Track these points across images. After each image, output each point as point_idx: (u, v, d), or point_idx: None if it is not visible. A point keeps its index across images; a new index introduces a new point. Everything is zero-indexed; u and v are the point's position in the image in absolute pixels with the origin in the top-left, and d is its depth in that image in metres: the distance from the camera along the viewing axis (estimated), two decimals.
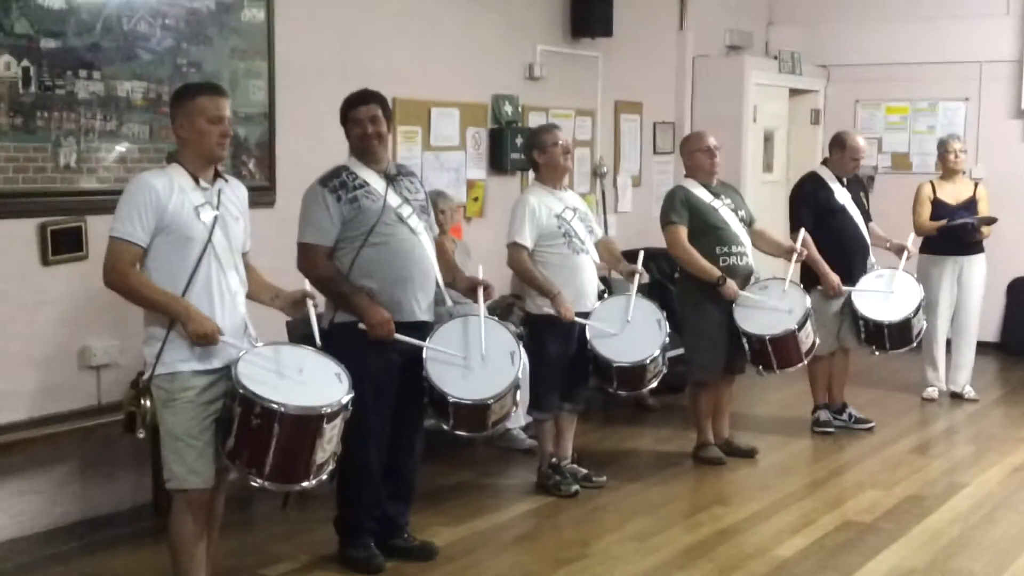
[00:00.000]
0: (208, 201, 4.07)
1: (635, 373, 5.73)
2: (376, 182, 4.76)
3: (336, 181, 4.71)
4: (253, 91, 6.06)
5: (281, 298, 4.36)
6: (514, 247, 5.71)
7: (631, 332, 5.72)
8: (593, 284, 5.82)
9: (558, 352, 5.72)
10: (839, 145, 7.16)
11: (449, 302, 5.06)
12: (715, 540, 5.32)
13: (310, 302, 4.29)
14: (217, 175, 4.18)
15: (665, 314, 5.84)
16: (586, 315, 5.73)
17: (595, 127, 8.70)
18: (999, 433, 7.31)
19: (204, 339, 3.96)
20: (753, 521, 5.59)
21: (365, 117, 4.75)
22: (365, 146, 4.78)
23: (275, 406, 3.97)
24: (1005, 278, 9.61)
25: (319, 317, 4.44)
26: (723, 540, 5.32)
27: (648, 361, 5.70)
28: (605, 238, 6.07)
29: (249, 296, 4.30)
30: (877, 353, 6.97)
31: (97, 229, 5.23)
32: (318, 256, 4.68)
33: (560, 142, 5.80)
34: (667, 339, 5.76)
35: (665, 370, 5.87)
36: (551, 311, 5.63)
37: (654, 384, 5.86)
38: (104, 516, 5.48)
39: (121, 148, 5.46)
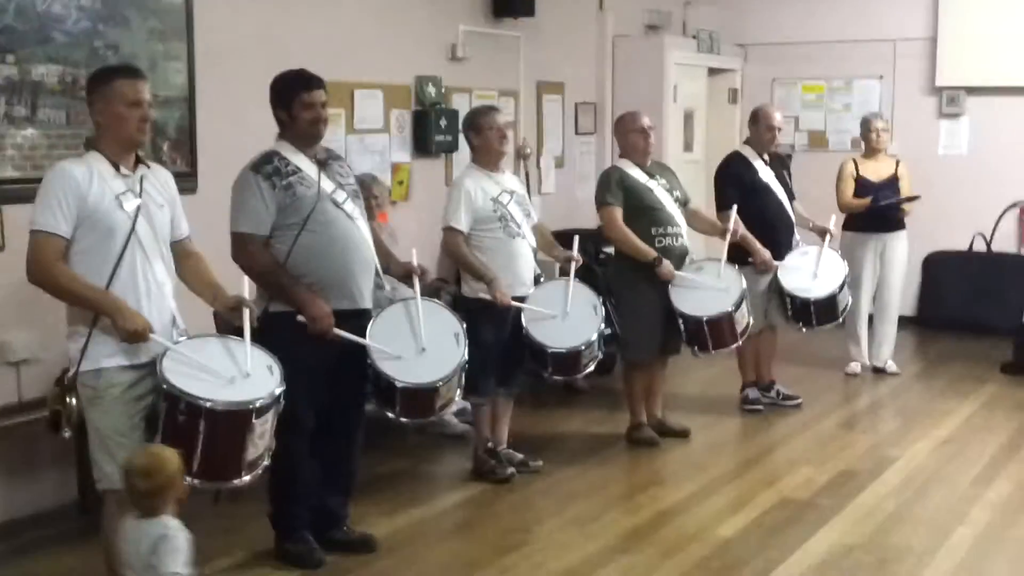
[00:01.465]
0: (130, 189, 3.94)
1: (570, 359, 5.69)
2: (308, 168, 4.62)
3: (269, 167, 4.56)
4: (172, 74, 5.88)
5: (220, 300, 4.23)
6: (449, 231, 5.62)
7: (567, 317, 5.67)
8: (530, 268, 5.76)
9: (493, 337, 5.65)
10: (755, 119, 7.20)
11: (388, 287, 4.98)
12: (655, 522, 5.31)
13: (246, 311, 4.15)
14: (139, 161, 4.04)
15: (601, 299, 5.79)
16: (522, 299, 5.67)
17: (518, 108, 8.62)
18: (923, 407, 7.42)
19: (134, 336, 3.82)
20: (691, 502, 5.60)
21: (318, 101, 4.61)
22: (315, 131, 4.64)
23: (201, 402, 3.86)
24: (921, 253, 9.75)
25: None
26: (664, 522, 5.32)
27: (584, 347, 5.66)
28: (538, 223, 6.00)
29: (192, 290, 4.17)
30: (804, 330, 7.02)
31: (14, 218, 5.03)
32: (255, 246, 4.54)
33: (497, 126, 5.71)
34: (603, 324, 5.73)
35: (601, 355, 5.84)
36: (486, 296, 5.56)
37: (590, 369, 5.83)
38: (27, 517, 5.29)
39: (37, 134, 5.25)
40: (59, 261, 3.83)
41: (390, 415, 4.78)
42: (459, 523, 5.38)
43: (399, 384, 4.67)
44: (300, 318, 4.48)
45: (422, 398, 4.78)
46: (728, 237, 6.45)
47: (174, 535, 3.47)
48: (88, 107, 4.03)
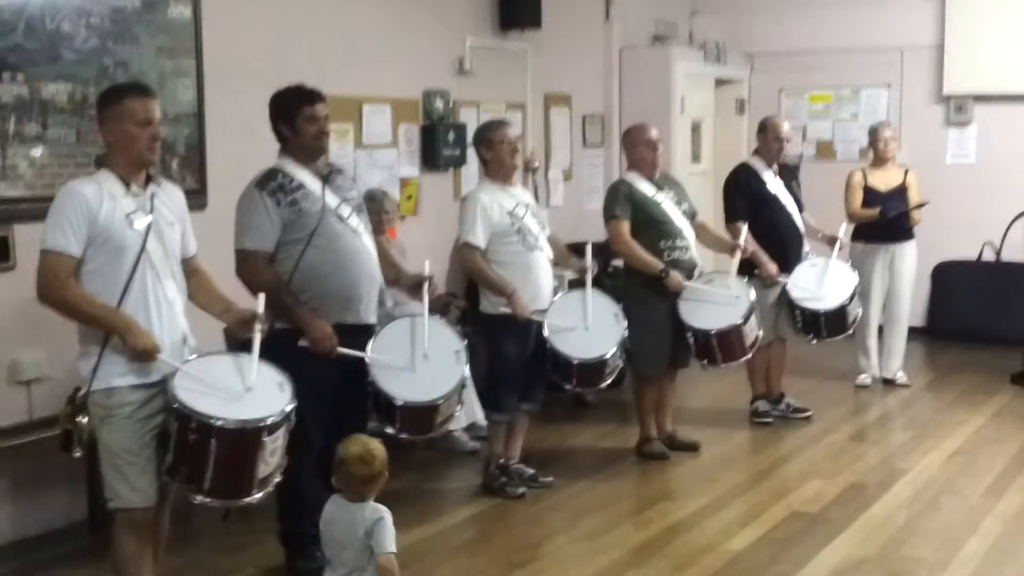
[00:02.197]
0: (140, 207, 3.94)
1: (595, 369, 5.69)
2: (312, 183, 4.63)
3: (273, 184, 4.57)
4: (181, 91, 5.89)
5: (231, 313, 4.23)
6: (466, 247, 5.60)
7: (590, 328, 5.67)
8: (548, 281, 5.75)
9: (516, 352, 5.64)
10: (762, 130, 7.21)
11: (389, 302, 4.97)
12: (666, 536, 5.30)
13: (257, 326, 4.14)
14: (150, 179, 4.04)
15: (622, 306, 5.79)
16: (542, 312, 5.65)
17: (525, 121, 8.63)
18: (933, 418, 7.40)
19: (144, 355, 3.83)
20: (702, 515, 5.58)
21: (321, 115, 4.62)
22: (319, 145, 4.65)
23: (211, 420, 3.85)
24: (930, 263, 9.74)
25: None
26: (674, 536, 5.31)
27: (608, 356, 5.66)
28: (551, 235, 6.00)
29: (199, 305, 4.18)
30: (814, 341, 7.01)
31: (24, 238, 5.05)
32: (259, 262, 4.55)
33: (508, 140, 5.70)
34: (625, 333, 5.72)
35: (621, 364, 5.83)
36: (507, 310, 5.54)
37: (611, 379, 5.82)
38: (38, 536, 5.30)
39: (47, 153, 5.26)
40: (69, 280, 3.83)
41: (390, 431, 4.76)
42: (469, 539, 5.37)
43: (399, 402, 4.66)
44: (302, 342, 4.47)
45: (422, 415, 4.77)
46: (738, 254, 6.43)
47: (388, 518, 3.73)
48: (98, 126, 4.04)
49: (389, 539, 3.68)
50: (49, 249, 3.83)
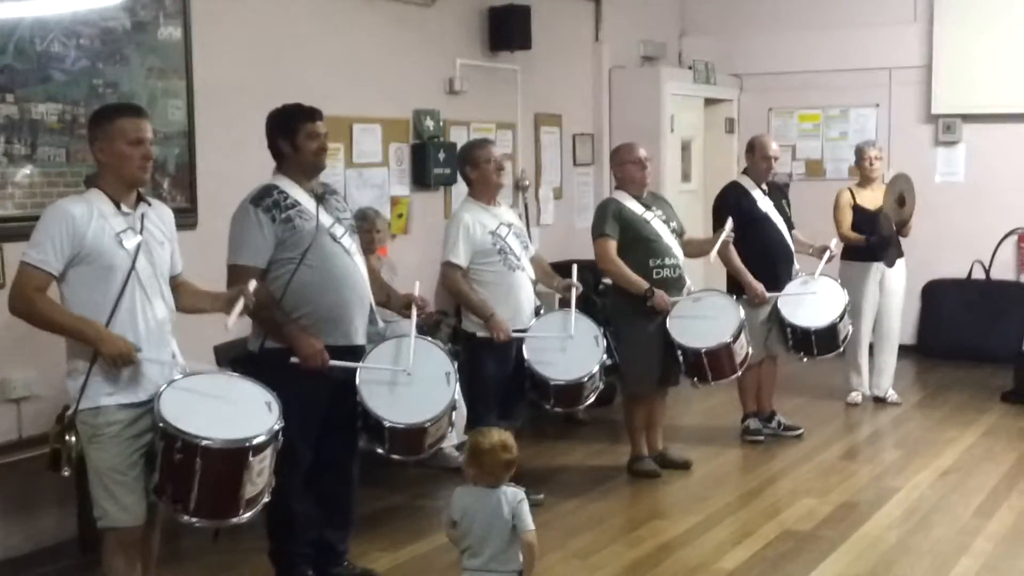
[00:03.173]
0: (130, 227, 3.95)
1: (573, 391, 5.68)
2: (307, 201, 4.62)
3: (268, 200, 4.56)
4: (171, 111, 5.91)
5: (220, 299, 4.21)
6: (448, 266, 5.62)
7: (569, 349, 5.67)
8: (530, 301, 5.77)
9: (496, 371, 5.66)
10: (751, 149, 7.24)
11: (380, 323, 4.95)
12: (658, 555, 5.29)
13: (241, 301, 4.09)
14: (140, 199, 4.04)
15: (603, 330, 5.79)
16: (523, 332, 5.66)
17: (516, 140, 8.65)
18: (924, 436, 7.40)
19: (121, 360, 3.81)
20: (693, 534, 5.57)
21: (321, 132, 4.63)
22: (319, 162, 4.65)
23: (196, 440, 3.83)
24: (920, 281, 9.75)
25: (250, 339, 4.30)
26: (666, 555, 5.30)
27: (586, 378, 5.65)
28: (535, 254, 6.01)
29: (191, 310, 4.18)
30: (805, 359, 7.02)
31: (13, 257, 4.96)
32: (250, 278, 4.53)
33: (493, 159, 5.72)
34: (604, 356, 5.72)
35: (602, 386, 5.83)
36: (487, 333, 5.55)
37: (590, 400, 5.82)
38: (26, 555, 5.28)
39: (37, 172, 5.26)
40: (41, 292, 3.84)
41: (380, 451, 4.74)
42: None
43: (387, 424, 4.63)
44: (293, 359, 4.47)
45: (411, 437, 4.73)
46: (720, 239, 6.36)
47: (525, 499, 3.97)
48: (90, 145, 4.04)
49: (530, 517, 3.94)
50: (27, 262, 3.85)
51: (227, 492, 3.93)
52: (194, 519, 3.94)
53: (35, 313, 3.85)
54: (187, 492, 3.86)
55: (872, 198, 7.96)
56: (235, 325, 4.07)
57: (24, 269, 3.85)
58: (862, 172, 8.06)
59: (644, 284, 6.16)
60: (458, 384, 4.90)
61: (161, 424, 3.83)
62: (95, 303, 3.86)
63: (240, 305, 4.09)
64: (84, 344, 3.85)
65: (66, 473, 3.93)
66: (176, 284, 4.23)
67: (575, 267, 5.97)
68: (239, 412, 4.00)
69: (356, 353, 4.69)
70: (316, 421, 4.60)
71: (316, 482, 4.74)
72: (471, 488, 3.99)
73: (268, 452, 3.99)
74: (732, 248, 6.70)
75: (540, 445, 7.14)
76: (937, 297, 10.01)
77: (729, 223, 6.51)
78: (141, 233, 3.96)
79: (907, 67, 10.04)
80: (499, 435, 4.02)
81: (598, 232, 6.28)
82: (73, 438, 3.90)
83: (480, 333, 5.61)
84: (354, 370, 4.61)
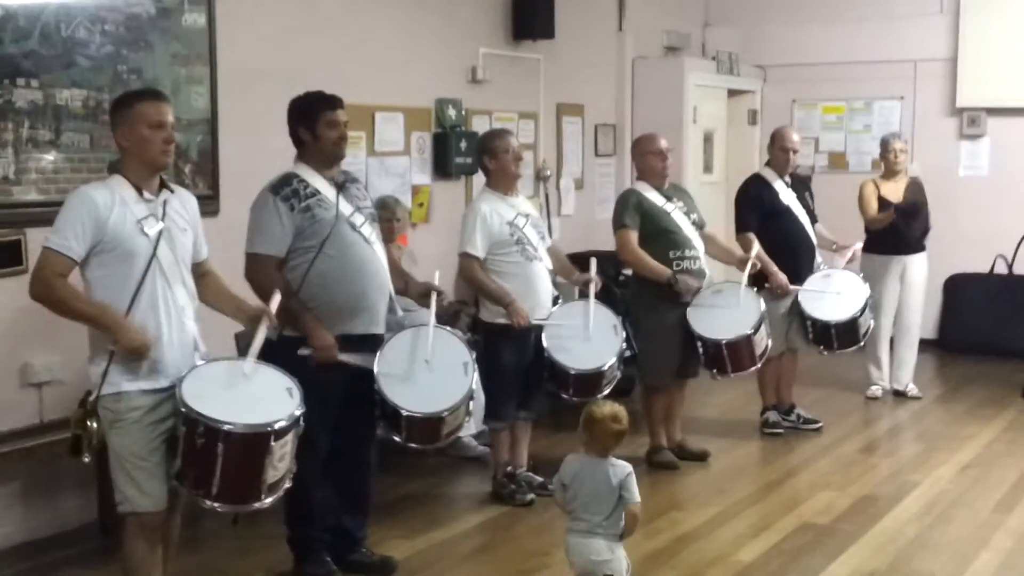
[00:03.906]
0: (152, 213, 3.94)
1: (592, 379, 5.69)
2: (327, 190, 4.63)
3: (288, 189, 4.57)
4: (195, 97, 5.92)
5: (243, 312, 4.24)
6: (465, 257, 5.62)
7: (588, 338, 5.66)
8: (547, 291, 5.76)
9: (514, 361, 5.66)
10: (772, 140, 7.21)
11: (399, 311, 4.96)
12: (675, 546, 5.29)
13: (264, 322, 4.15)
14: (163, 185, 4.05)
15: (621, 320, 5.79)
16: (542, 321, 5.66)
17: (538, 130, 8.64)
18: (944, 431, 7.38)
19: (135, 353, 3.82)
20: (711, 526, 5.57)
21: (341, 120, 4.63)
22: (338, 151, 4.65)
23: (219, 425, 3.85)
24: (942, 275, 9.71)
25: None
26: (683, 546, 5.30)
27: (605, 367, 5.65)
28: (553, 245, 6.01)
29: (211, 306, 4.20)
30: (825, 353, 7.00)
31: (37, 242, 5.00)
32: (268, 267, 4.55)
33: (512, 149, 5.72)
34: (623, 345, 5.72)
35: (619, 375, 5.83)
36: (506, 320, 5.55)
37: (608, 390, 5.82)
38: (49, 537, 5.31)
39: (60, 158, 5.29)
40: (62, 278, 3.84)
41: (397, 440, 4.77)
42: (478, 546, 5.37)
43: (404, 412, 4.65)
44: (301, 351, 4.47)
45: (428, 426, 4.75)
46: (748, 268, 6.41)
47: (632, 473, 4.12)
48: (112, 130, 4.04)
49: (636, 490, 4.10)
50: (50, 247, 3.84)
51: (249, 477, 3.95)
52: (216, 504, 3.97)
53: (55, 299, 3.85)
54: (209, 477, 3.88)
55: (895, 190, 7.94)
56: (256, 353, 4.08)
57: (46, 254, 3.85)
58: (886, 164, 8.02)
59: (667, 271, 6.15)
60: (476, 374, 4.91)
61: (183, 409, 3.85)
62: (116, 289, 3.87)
63: (262, 334, 4.11)
64: (103, 332, 3.86)
65: (87, 459, 3.94)
66: (202, 273, 4.24)
67: (593, 260, 5.96)
68: (261, 398, 4.02)
69: (375, 342, 4.70)
70: (333, 408, 4.61)
71: (334, 469, 4.76)
72: (582, 455, 4.17)
73: (289, 437, 4.01)
74: (760, 249, 6.66)
75: (559, 435, 7.13)
76: (959, 291, 9.95)
77: (752, 255, 6.45)
78: (163, 220, 3.96)
79: (932, 59, 9.97)
80: (611, 407, 4.17)
81: (619, 223, 6.27)
82: (95, 424, 3.90)
83: (499, 320, 5.60)
84: (368, 360, 4.62)
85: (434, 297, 4.93)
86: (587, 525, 4.09)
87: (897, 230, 7.73)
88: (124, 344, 3.80)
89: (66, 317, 3.92)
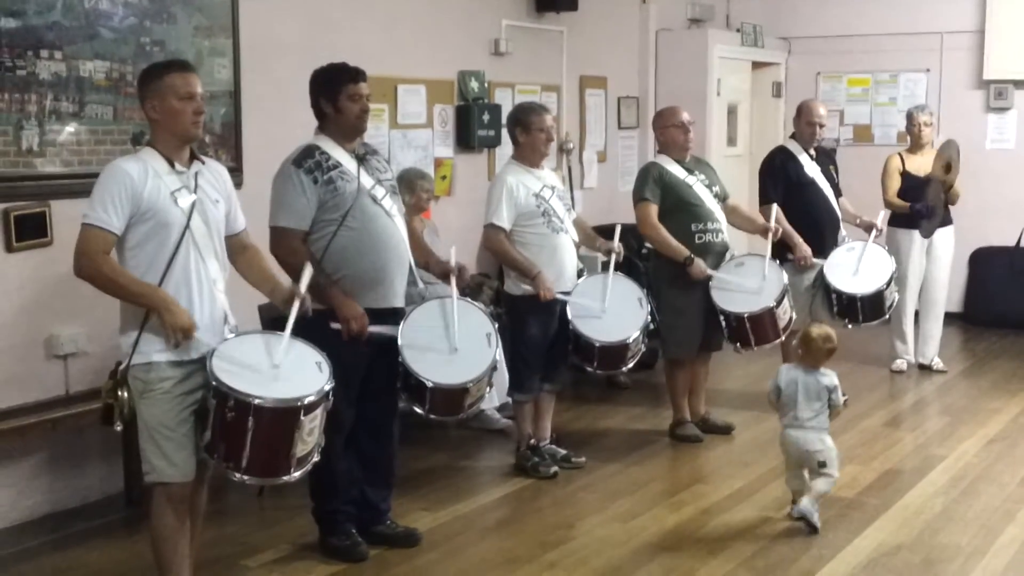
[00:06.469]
0: (185, 185, 3.94)
1: (617, 352, 5.67)
2: (348, 162, 4.60)
3: (311, 162, 4.55)
4: (218, 70, 5.90)
5: (277, 292, 4.23)
6: (491, 228, 5.60)
7: (613, 311, 5.64)
8: (573, 263, 5.74)
9: (539, 333, 5.65)
10: (798, 113, 7.15)
11: (421, 284, 4.95)
12: (700, 519, 5.28)
13: (296, 303, 4.14)
14: (194, 157, 4.04)
15: (646, 292, 5.77)
16: (567, 294, 5.64)
17: (560, 102, 8.60)
18: (969, 405, 7.34)
19: (180, 333, 3.82)
20: (736, 499, 5.56)
21: (364, 93, 4.60)
22: (361, 124, 4.63)
23: (249, 399, 3.86)
24: (967, 248, 9.64)
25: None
26: (708, 519, 5.29)
27: (631, 340, 5.64)
28: (577, 217, 5.98)
29: (249, 283, 4.20)
30: (850, 326, 6.96)
31: (61, 213, 5.08)
32: (294, 241, 4.53)
33: (545, 128, 5.67)
34: (648, 318, 5.70)
35: (644, 348, 5.81)
36: (530, 291, 5.54)
37: (632, 363, 5.81)
38: (74, 508, 5.35)
39: (84, 130, 5.28)
40: (106, 255, 3.84)
41: (419, 411, 4.77)
42: (502, 518, 5.37)
43: (429, 384, 4.64)
44: (334, 325, 4.46)
45: (452, 397, 4.75)
46: (770, 237, 6.38)
47: (839, 386, 5.18)
48: (141, 104, 4.01)
49: (840, 396, 5.17)
50: (90, 223, 3.82)
51: (278, 450, 3.96)
52: (245, 477, 3.99)
53: (102, 276, 3.83)
54: (239, 450, 3.89)
55: (921, 164, 7.86)
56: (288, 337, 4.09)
57: (87, 231, 3.83)
58: (912, 137, 7.95)
59: (684, 251, 6.12)
60: (499, 346, 4.90)
61: (214, 383, 3.85)
62: (149, 261, 3.86)
63: (294, 315, 4.10)
64: (149, 311, 3.85)
65: (119, 428, 3.96)
66: (241, 246, 4.23)
67: (618, 227, 5.94)
68: (290, 372, 4.02)
69: (396, 315, 4.69)
70: (357, 381, 4.61)
71: (357, 442, 4.76)
72: (796, 366, 5.18)
73: (319, 412, 4.02)
74: (781, 214, 6.63)
75: (581, 408, 7.15)
76: (985, 265, 9.87)
77: (772, 222, 6.45)
78: (195, 192, 3.95)
79: (959, 32, 9.87)
80: (825, 329, 5.23)
81: (639, 196, 6.24)
82: (125, 393, 3.92)
83: (525, 287, 5.57)
84: (394, 337, 4.62)
85: (454, 279, 4.92)
86: (799, 422, 5.06)
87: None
88: (170, 324, 3.80)
89: (113, 295, 3.90)
